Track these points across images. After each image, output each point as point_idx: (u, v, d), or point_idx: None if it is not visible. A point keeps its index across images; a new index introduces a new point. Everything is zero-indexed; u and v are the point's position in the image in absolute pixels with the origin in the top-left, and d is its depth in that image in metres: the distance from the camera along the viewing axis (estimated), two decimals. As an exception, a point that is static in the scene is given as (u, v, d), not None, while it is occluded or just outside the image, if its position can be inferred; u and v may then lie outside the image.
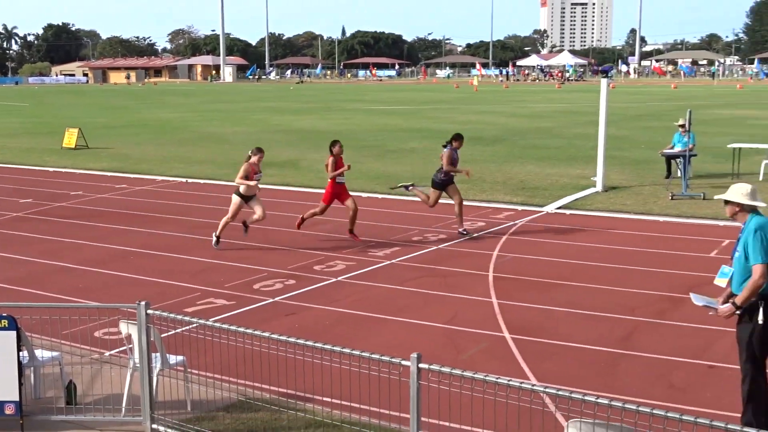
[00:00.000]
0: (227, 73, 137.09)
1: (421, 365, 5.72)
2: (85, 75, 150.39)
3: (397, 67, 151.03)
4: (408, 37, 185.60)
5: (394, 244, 14.83)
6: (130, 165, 26.68)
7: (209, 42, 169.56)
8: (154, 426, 7.25)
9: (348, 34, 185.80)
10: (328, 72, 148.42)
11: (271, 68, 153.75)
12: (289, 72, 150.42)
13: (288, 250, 14.40)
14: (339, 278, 12.61)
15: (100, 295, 11.66)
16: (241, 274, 12.79)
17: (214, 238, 14.64)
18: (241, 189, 14.41)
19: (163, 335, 7.74)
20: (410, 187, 16.32)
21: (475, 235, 15.53)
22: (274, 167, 25.04)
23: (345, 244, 14.80)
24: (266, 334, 6.52)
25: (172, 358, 7.83)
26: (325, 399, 7.62)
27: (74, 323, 9.27)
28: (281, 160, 27.16)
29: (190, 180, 23.14)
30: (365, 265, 13.35)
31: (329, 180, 15.09)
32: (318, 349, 6.30)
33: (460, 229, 15.55)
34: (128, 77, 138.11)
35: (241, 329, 6.69)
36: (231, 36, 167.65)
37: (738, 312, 7.09)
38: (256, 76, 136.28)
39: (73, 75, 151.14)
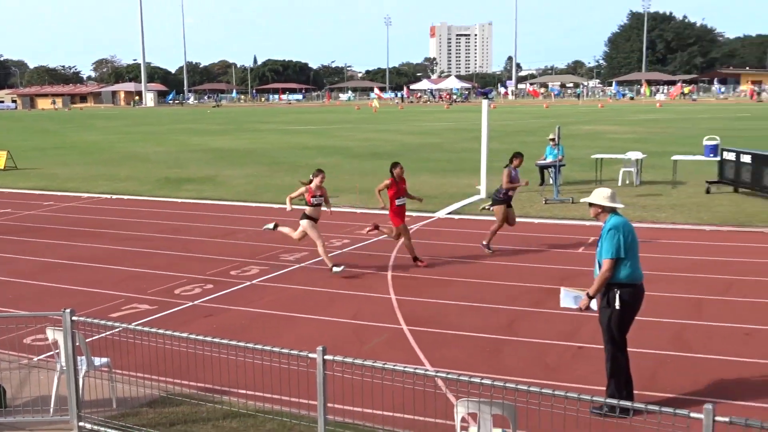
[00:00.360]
0: (149, 99, 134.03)
1: (326, 357, 5.67)
2: (14, 101, 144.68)
3: (304, 91, 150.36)
4: (313, 65, 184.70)
5: (303, 249, 14.71)
6: (57, 183, 25.76)
7: (131, 70, 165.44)
8: (81, 424, 6.98)
9: (259, 62, 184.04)
10: (242, 96, 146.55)
11: (190, 94, 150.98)
12: (206, 97, 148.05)
13: (206, 258, 14.12)
14: (253, 282, 12.43)
15: (30, 305, 11.19)
16: (163, 281, 12.47)
17: (333, 269, 12.52)
18: (307, 211, 12.71)
19: (88, 339, 7.48)
20: (489, 208, 15.12)
21: (492, 250, 14.38)
22: (193, 183, 24.59)
23: (259, 251, 14.60)
24: (185, 335, 6.36)
25: (97, 360, 7.56)
26: (241, 391, 7.49)
27: (3, 332, 8.87)
28: (200, 176, 26.67)
29: (114, 196, 22.50)
30: (277, 269, 13.20)
31: (389, 204, 13.39)
32: (233, 347, 6.18)
33: (483, 242, 14.47)
34: (54, 103, 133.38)
35: (161, 331, 6.51)
36: (152, 65, 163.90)
37: (592, 300, 7.31)
38: (178, 101, 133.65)
39: (2, 101, 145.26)
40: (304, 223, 12.78)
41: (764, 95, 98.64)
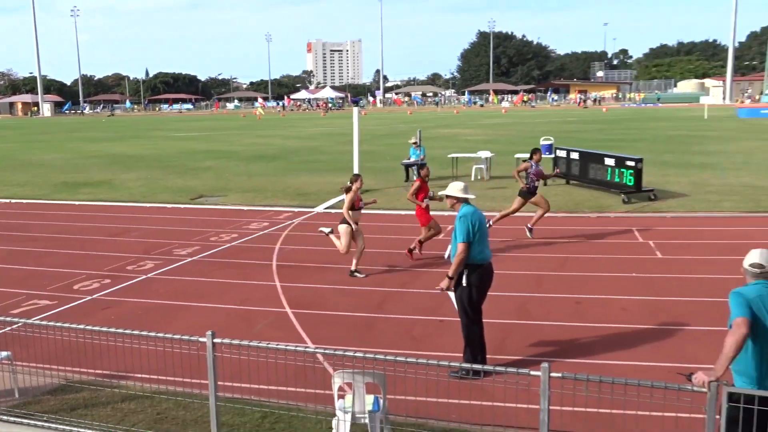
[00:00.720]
0: (46, 109, 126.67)
1: (215, 340, 5.54)
2: None
3: (193, 101, 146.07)
4: (202, 77, 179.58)
5: (195, 244, 14.33)
6: (-44, 190, 23.98)
7: (28, 83, 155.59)
8: (-16, 415, 6.54)
9: (151, 75, 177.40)
10: (136, 106, 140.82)
11: (85, 104, 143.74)
12: (100, 107, 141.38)
13: (104, 255, 13.51)
14: (149, 275, 12.00)
15: (-70, 305, 10.37)
16: (62, 278, 11.84)
17: (357, 274, 11.68)
18: (350, 216, 11.73)
19: (-12, 335, 7.00)
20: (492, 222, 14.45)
21: (530, 231, 14.22)
22: (90, 186, 23.47)
23: (154, 247, 14.10)
24: (83, 326, 6.06)
25: (-1, 354, 7.11)
26: (137, 375, 7.22)
27: None
28: (96, 180, 25.46)
29: (13, 200, 21.17)
30: (171, 263, 12.79)
31: (416, 205, 12.89)
32: (129, 335, 5.94)
33: (528, 225, 14.27)
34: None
35: (59, 324, 6.18)
36: (48, 77, 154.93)
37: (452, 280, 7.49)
38: (78, 111, 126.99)
39: None
40: (345, 228, 11.69)
41: (589, 102, 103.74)
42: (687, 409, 4.96)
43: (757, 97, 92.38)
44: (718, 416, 4.51)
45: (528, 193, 14.23)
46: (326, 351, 5.37)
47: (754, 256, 4.92)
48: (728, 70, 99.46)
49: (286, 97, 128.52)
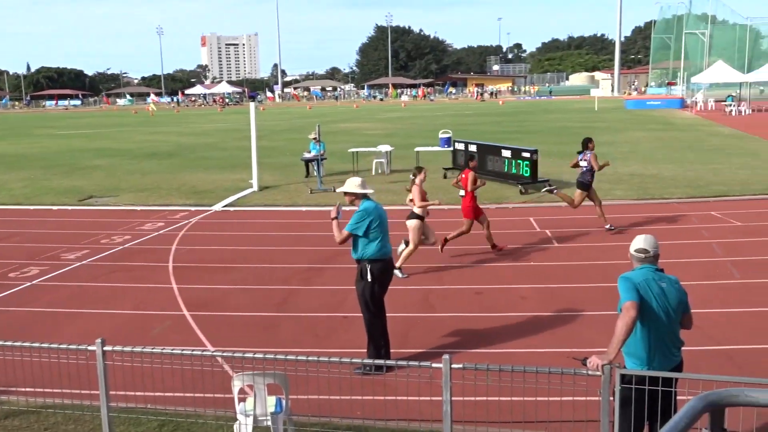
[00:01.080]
0: None
1: (105, 348, 5.30)
2: None
3: (81, 97, 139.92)
4: (89, 72, 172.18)
5: (84, 247, 13.71)
6: None
7: None
8: None
9: (33, 70, 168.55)
10: (16, 103, 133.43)
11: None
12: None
13: (-17, 262, 12.72)
14: (34, 282, 11.38)
15: None
16: (-63, 288, 11.06)
17: (400, 274, 11.03)
18: (419, 211, 11.21)
19: None
20: (555, 191, 14.16)
21: (611, 227, 13.78)
22: (-33, 189, 22.05)
23: (39, 252, 13.39)
24: (-43, 340, 5.66)
25: None
26: (22, 390, 6.82)
27: None
28: (-26, 182, 23.96)
29: None
30: (58, 268, 12.19)
31: (468, 196, 12.17)
32: (11, 348, 5.61)
33: (606, 226, 13.74)
34: None
35: (-69, 339, 5.75)
36: None
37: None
38: None
39: None
40: (414, 223, 11.13)
41: (486, 95, 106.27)
42: (583, 392, 5.14)
43: (642, 89, 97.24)
44: (612, 398, 4.69)
45: (587, 185, 13.89)
46: (225, 353, 5.24)
47: (638, 242, 5.15)
48: (616, 64, 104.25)
49: (180, 93, 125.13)
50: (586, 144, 13.98)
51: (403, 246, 11.46)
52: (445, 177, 21.40)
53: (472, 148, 21.12)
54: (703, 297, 9.61)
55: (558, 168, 22.89)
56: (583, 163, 13.97)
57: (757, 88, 63.03)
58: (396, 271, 10.89)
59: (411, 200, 11.36)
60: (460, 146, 21.79)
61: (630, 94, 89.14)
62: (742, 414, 3.94)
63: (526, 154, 18.84)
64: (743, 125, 38.54)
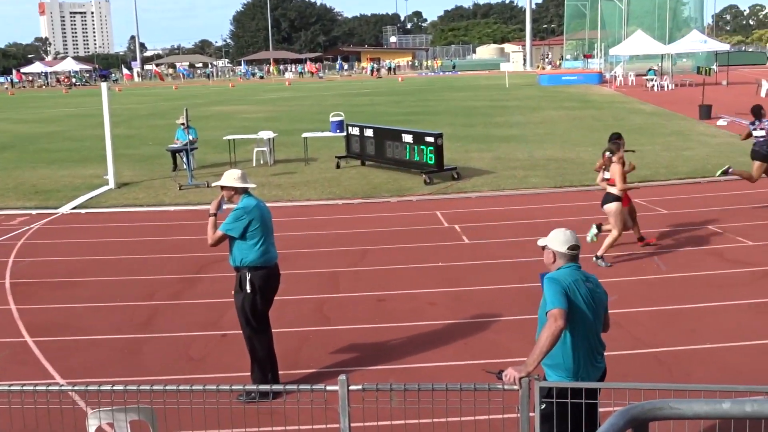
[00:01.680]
0: None
1: (-77, 388, 4.99)
2: None
3: None
4: None
5: None
6: None
7: None
8: None
9: None
10: None
11: None
12: None
13: None
14: None
15: None
16: None
17: (602, 263, 10.92)
18: (619, 192, 10.91)
19: None
20: (730, 170, 13.70)
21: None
22: None
23: None
24: None
25: None
26: None
27: None
28: None
29: None
30: None
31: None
32: None
33: None
34: None
35: None
36: None
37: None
38: None
39: None
40: (615, 207, 10.87)
41: (383, 71, 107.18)
42: (499, 409, 5.24)
43: (557, 62, 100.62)
44: (532, 414, 4.81)
45: (764, 155, 13.81)
46: (78, 387, 5.04)
47: (568, 238, 5.27)
48: (527, 34, 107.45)
49: (15, 71, 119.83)
50: (760, 112, 14.03)
51: (594, 231, 11.54)
52: (338, 167, 21.44)
53: (368, 132, 21.25)
54: (628, 295, 10.02)
55: (465, 154, 23.36)
56: (759, 132, 13.91)
57: (681, 60, 66.31)
58: (599, 261, 11.06)
59: (607, 180, 11.18)
60: (355, 131, 21.88)
61: (544, 68, 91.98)
62: (673, 426, 4.12)
63: (430, 139, 19.13)
64: (666, 102, 40.54)
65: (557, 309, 4.88)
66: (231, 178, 7.51)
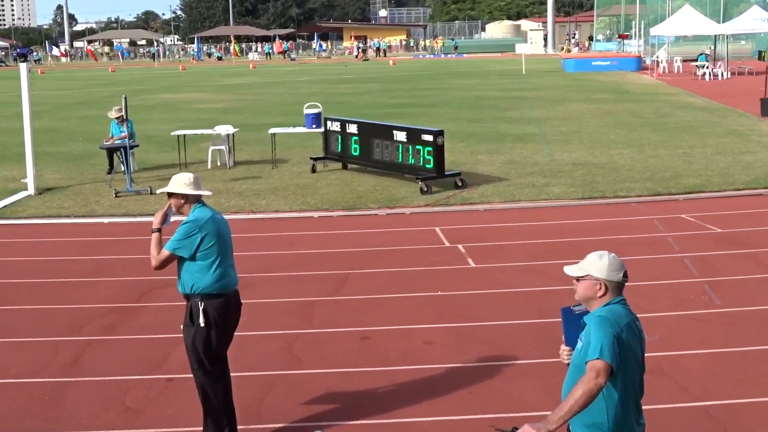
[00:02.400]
0: None
1: None
2: None
3: None
4: None
5: None
6: None
7: None
8: None
9: None
10: None
11: None
12: None
13: None
14: None
15: None
16: None
17: None
18: None
19: None
20: None
21: None
22: None
23: None
24: None
25: None
26: None
27: None
28: None
29: None
30: None
31: None
32: None
33: None
34: None
35: None
36: None
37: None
38: None
39: None
40: None
41: (370, 53, 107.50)
42: (513, 477, 5.23)
43: (586, 44, 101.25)
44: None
45: None
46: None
47: (619, 262, 5.18)
48: (549, 9, 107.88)
49: None
50: None
51: None
52: (313, 171, 21.44)
53: (352, 128, 21.28)
54: (674, 333, 10.03)
55: (471, 156, 23.42)
56: None
57: (739, 43, 66.55)
58: None
59: None
60: (335, 126, 21.91)
61: (569, 51, 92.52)
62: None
63: (428, 137, 19.16)
64: (720, 94, 40.75)
65: (602, 362, 4.80)
66: (180, 183, 7.50)
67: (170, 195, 7.55)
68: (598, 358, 4.81)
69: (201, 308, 7.29)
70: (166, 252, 7.37)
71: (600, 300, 5.12)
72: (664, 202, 17.50)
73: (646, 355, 5.19)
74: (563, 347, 5.34)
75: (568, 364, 5.19)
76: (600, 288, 5.11)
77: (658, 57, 60.36)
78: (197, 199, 7.53)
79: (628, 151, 23.64)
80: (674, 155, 22.90)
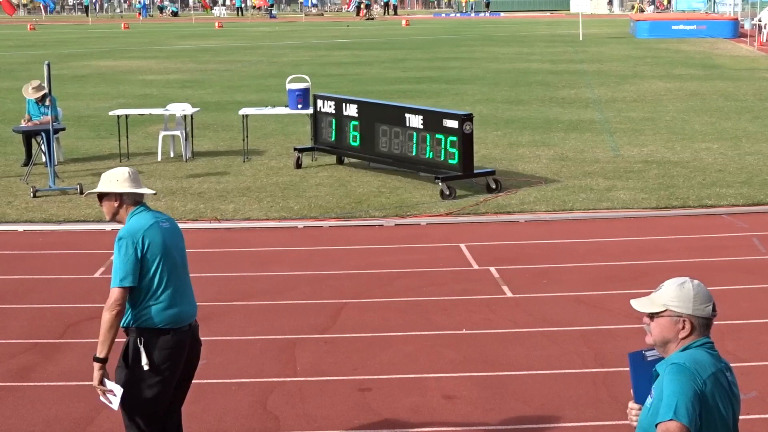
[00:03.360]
0: None
1: None
2: None
3: None
4: None
5: None
6: None
7: None
8: None
9: None
10: None
11: None
12: None
13: None
14: None
15: None
16: None
17: None
18: None
19: None
20: None
21: None
22: None
23: None
24: None
25: None
26: None
27: None
28: None
29: None
30: None
31: None
32: None
33: None
34: None
35: None
36: None
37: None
38: None
39: None
40: None
41: (375, 10, 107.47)
42: None
43: (664, 2, 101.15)
44: None
45: None
46: None
47: (706, 293, 5.13)
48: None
49: None
50: None
51: None
52: (299, 166, 21.43)
53: (351, 109, 21.27)
54: (776, 389, 10.01)
55: (510, 150, 23.40)
56: None
57: None
58: None
59: None
60: (328, 107, 21.91)
61: (642, 10, 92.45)
62: None
63: (452, 123, 19.16)
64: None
65: (677, 425, 4.77)
66: (113, 180, 7.45)
67: (101, 198, 7.52)
68: (672, 419, 4.79)
69: (141, 347, 7.27)
70: (115, 292, 7.20)
71: (681, 342, 5.08)
72: (767, 214, 17.48)
73: (740, 417, 5.18)
74: (632, 404, 5.30)
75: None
76: (683, 326, 5.06)
77: (760, 20, 60.22)
78: (136, 202, 7.49)
79: (718, 146, 23.61)
80: (780, 152, 22.87)
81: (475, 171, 19.19)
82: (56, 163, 20.27)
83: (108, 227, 16.24)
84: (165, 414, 7.53)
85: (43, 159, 20.66)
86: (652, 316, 5.13)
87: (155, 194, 7.75)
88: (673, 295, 5.10)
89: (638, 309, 5.20)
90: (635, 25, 67.01)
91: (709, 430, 4.87)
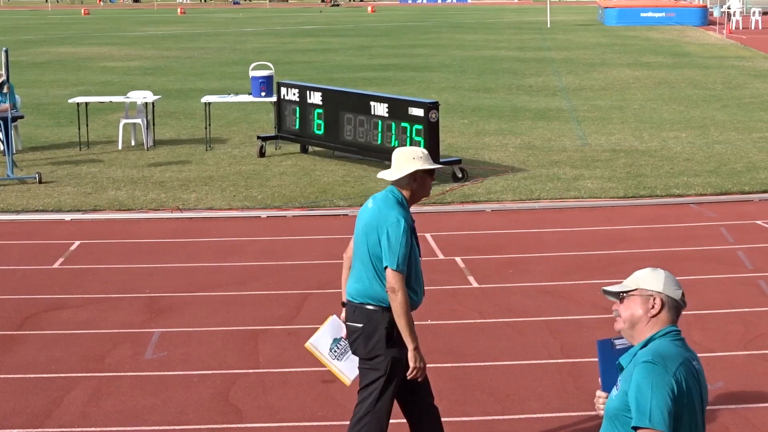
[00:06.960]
0: None
1: None
2: None
3: None
4: None
5: None
6: None
7: None
8: None
9: None
10: None
11: None
12: None
13: None
14: None
15: None
16: None
17: None
18: None
19: None
20: None
21: None
22: None
23: None
24: None
25: None
26: None
27: None
28: None
29: None
30: None
31: None
32: None
33: None
34: None
35: None
36: None
37: None
38: None
39: None
40: None
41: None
42: None
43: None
44: None
45: None
46: None
47: (670, 282, 5.11)
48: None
49: None
50: None
51: None
52: (262, 154, 21.38)
53: (315, 97, 21.25)
54: (743, 380, 10.06)
55: (476, 138, 23.41)
56: None
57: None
58: None
59: None
60: (292, 94, 21.87)
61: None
62: None
63: (418, 112, 19.15)
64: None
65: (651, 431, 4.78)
66: (408, 158, 7.99)
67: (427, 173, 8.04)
68: (645, 426, 4.78)
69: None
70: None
71: (650, 323, 5.05)
72: (735, 203, 17.55)
73: (707, 408, 5.18)
74: (599, 393, 5.29)
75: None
76: (653, 305, 5.05)
77: (729, 8, 60.43)
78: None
79: (686, 135, 23.71)
80: (748, 141, 22.98)
81: (441, 160, 19.19)
82: (14, 151, 20.15)
83: (68, 217, 16.18)
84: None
85: (1, 147, 20.55)
86: (622, 298, 5.13)
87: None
88: (644, 275, 5.11)
89: (609, 292, 5.20)
90: (603, 12, 67.27)
91: (683, 422, 4.87)
